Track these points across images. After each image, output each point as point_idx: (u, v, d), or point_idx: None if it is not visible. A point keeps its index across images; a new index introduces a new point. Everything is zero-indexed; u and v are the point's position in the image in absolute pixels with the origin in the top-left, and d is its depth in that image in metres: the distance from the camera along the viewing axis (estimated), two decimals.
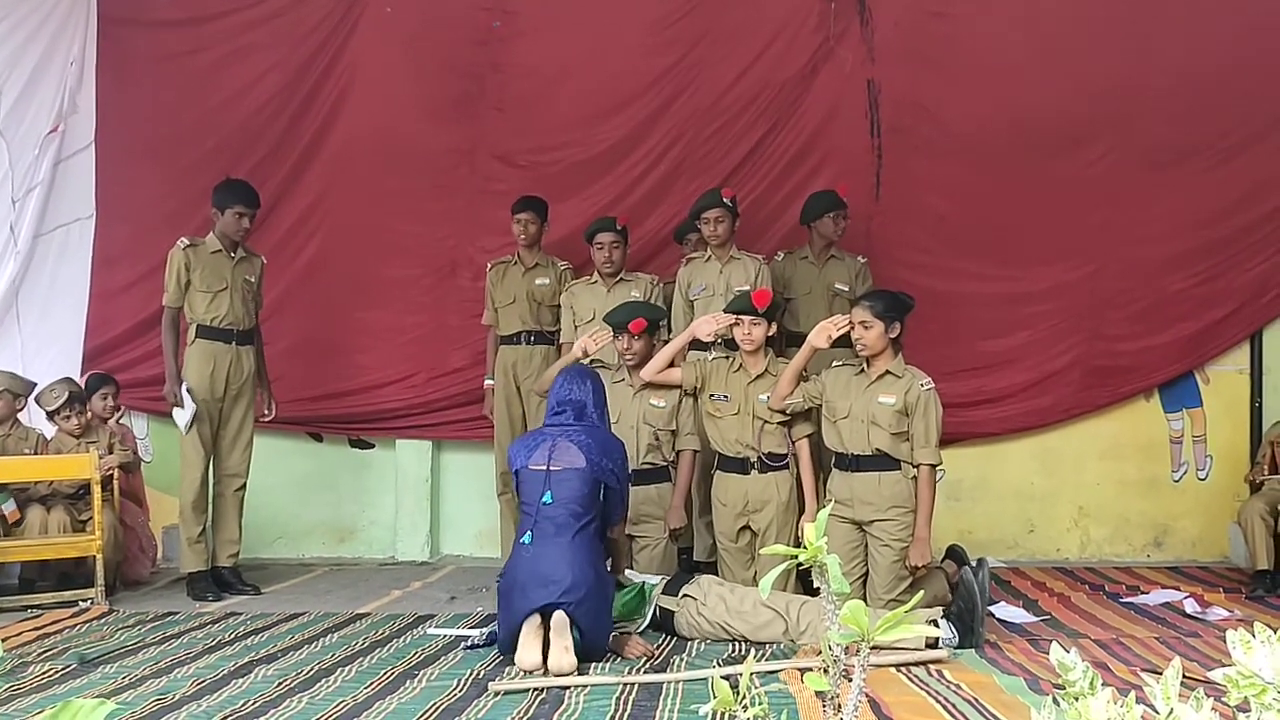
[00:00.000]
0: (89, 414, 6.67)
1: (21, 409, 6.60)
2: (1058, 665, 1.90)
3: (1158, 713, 1.79)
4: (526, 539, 4.69)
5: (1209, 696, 1.80)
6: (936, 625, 4.70)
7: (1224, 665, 1.83)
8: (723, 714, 2.11)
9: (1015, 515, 7.56)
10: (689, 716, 3.72)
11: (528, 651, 4.41)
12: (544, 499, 4.70)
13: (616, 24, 7.56)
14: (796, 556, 2.28)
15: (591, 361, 5.84)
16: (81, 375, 7.02)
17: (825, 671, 2.16)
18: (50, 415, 6.59)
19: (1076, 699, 1.86)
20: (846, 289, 6.59)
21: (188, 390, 6.25)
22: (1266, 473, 6.53)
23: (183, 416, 6.27)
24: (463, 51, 7.64)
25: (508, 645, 4.58)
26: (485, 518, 7.52)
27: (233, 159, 7.33)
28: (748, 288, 6.20)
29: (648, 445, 5.72)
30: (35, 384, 6.68)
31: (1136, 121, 7.29)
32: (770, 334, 5.71)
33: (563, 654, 4.38)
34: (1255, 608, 5.78)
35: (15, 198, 7.13)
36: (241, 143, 7.54)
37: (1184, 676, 4.00)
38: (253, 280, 6.55)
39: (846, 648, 2.13)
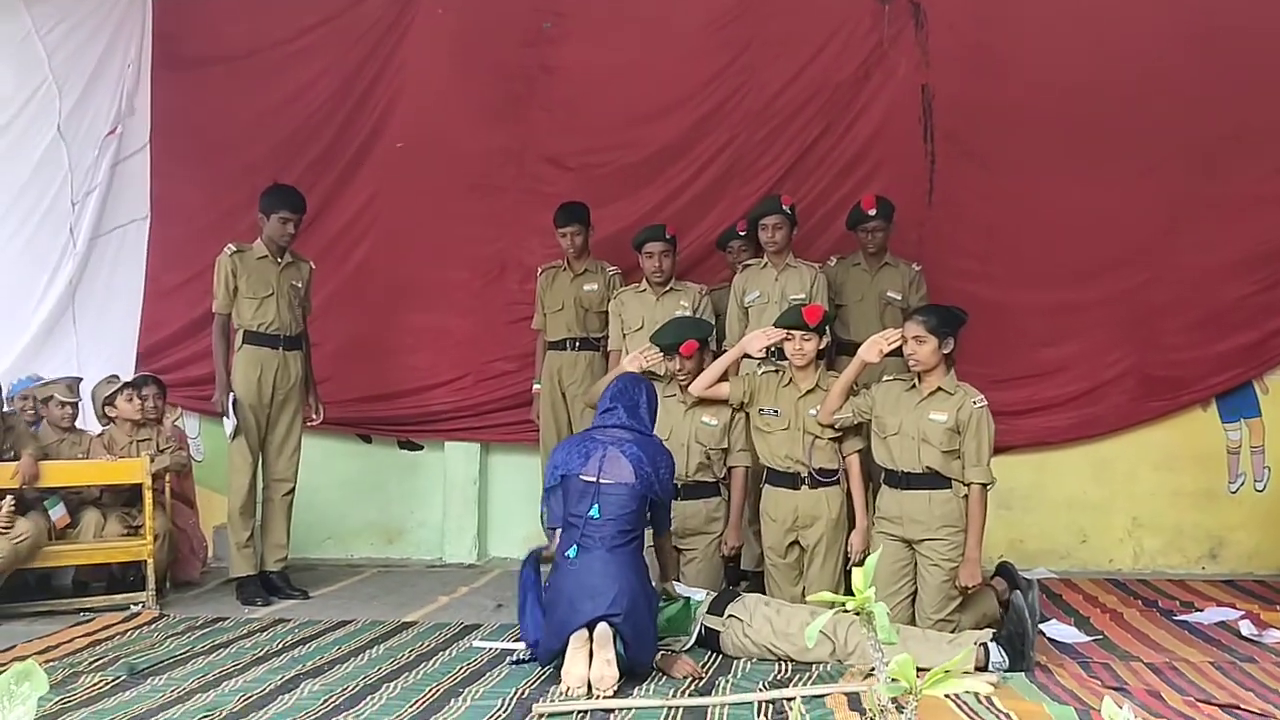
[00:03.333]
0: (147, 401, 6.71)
1: (76, 415, 6.64)
2: None
3: None
4: (572, 553, 4.66)
5: None
6: (986, 648, 4.63)
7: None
8: None
9: (1067, 525, 7.44)
10: None
11: (575, 666, 4.40)
12: (591, 512, 4.67)
13: (667, 26, 7.50)
14: (844, 604, 2.26)
15: (644, 374, 5.81)
16: (134, 375, 7.06)
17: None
18: (107, 402, 6.61)
19: None
20: (899, 297, 6.51)
21: (234, 403, 6.28)
22: None
23: (229, 426, 6.32)
24: (513, 53, 7.62)
25: (552, 659, 4.58)
26: (533, 520, 7.36)
27: (285, 162, 7.38)
28: (803, 296, 6.16)
29: (699, 464, 5.68)
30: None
31: (1193, 128, 7.12)
32: (821, 347, 5.65)
33: (605, 667, 4.36)
34: None
35: (75, 200, 7.23)
36: (294, 146, 7.59)
37: (1236, 708, 3.94)
38: (299, 285, 6.56)
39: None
